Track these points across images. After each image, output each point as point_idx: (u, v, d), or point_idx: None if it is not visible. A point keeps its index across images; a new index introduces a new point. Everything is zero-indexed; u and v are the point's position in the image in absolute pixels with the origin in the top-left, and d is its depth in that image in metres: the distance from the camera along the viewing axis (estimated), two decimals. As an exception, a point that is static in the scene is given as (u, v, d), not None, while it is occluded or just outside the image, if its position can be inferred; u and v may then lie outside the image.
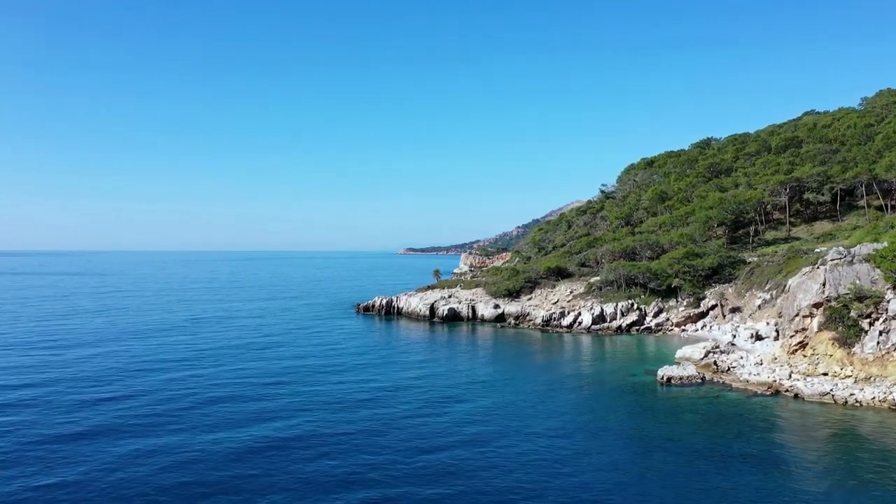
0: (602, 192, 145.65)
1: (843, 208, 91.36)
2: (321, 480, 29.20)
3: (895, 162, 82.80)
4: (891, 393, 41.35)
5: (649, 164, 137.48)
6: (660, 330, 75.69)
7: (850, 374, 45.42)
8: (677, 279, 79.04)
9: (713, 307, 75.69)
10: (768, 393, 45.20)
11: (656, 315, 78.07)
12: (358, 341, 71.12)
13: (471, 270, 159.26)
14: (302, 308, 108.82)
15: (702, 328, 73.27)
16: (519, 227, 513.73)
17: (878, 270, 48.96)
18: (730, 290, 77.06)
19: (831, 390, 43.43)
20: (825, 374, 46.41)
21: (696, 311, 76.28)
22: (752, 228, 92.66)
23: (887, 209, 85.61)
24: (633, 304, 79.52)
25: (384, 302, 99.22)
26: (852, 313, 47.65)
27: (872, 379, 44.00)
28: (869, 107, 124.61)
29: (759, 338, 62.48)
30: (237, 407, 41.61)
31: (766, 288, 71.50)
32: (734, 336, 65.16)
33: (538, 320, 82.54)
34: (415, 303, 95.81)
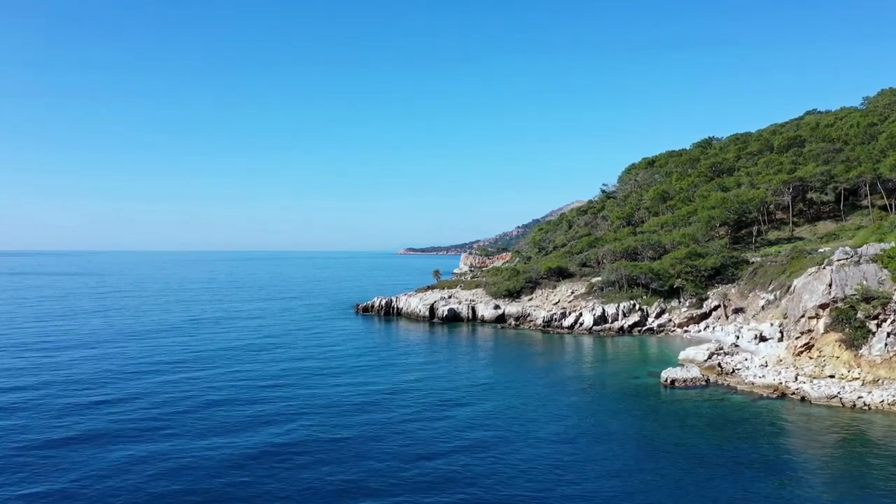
0: (603, 191, 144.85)
1: (847, 208, 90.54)
2: (319, 487, 28.39)
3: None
4: (900, 396, 40.51)
5: (650, 163, 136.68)
6: (662, 331, 74.86)
7: (857, 376, 44.59)
8: (679, 279, 78.22)
9: (716, 308, 74.87)
10: (774, 395, 44.37)
11: (658, 316, 77.24)
12: (357, 343, 70.30)
13: (471, 270, 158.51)
14: (301, 308, 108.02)
15: (704, 329, 72.42)
16: (519, 227, 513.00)
17: (885, 271, 48.18)
18: (733, 290, 76.23)
19: (839, 393, 42.62)
20: (832, 377, 45.58)
21: (699, 311, 75.44)
22: (754, 228, 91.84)
23: (891, 209, 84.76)
24: (634, 305, 78.71)
25: (383, 302, 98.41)
26: (859, 314, 46.84)
27: (880, 381, 43.17)
28: (871, 106, 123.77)
29: (762, 339, 61.61)
30: (233, 411, 40.78)
31: (770, 288, 70.65)
32: (738, 337, 64.29)
33: (539, 321, 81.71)
34: (414, 303, 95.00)
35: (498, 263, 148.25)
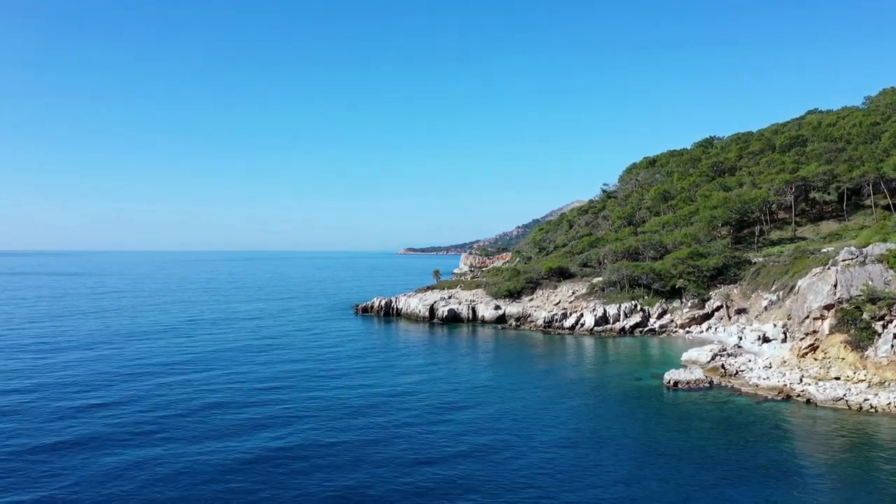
0: (604, 191, 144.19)
1: (850, 208, 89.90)
2: (316, 494, 27.74)
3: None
4: (907, 399, 39.87)
5: (651, 163, 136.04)
6: (664, 331, 74.21)
7: (863, 378, 43.92)
8: (681, 280, 77.58)
9: (718, 308, 74.24)
10: (779, 398, 43.73)
11: (660, 316, 76.58)
12: (356, 344, 69.59)
13: (471, 271, 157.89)
14: (300, 309, 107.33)
15: (707, 330, 71.77)
16: (519, 227, 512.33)
17: (891, 271, 47.53)
18: (735, 290, 75.60)
19: (844, 395, 41.97)
20: (837, 379, 44.91)
21: (701, 312, 74.79)
22: (756, 228, 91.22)
23: (894, 208, 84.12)
24: (636, 306, 78.07)
25: (383, 303, 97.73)
26: (865, 315, 46.18)
27: (887, 384, 42.50)
28: (873, 106, 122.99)
29: (766, 340, 61.00)
30: (230, 415, 40.09)
31: (773, 289, 70.02)
32: (740, 338, 63.66)
33: (540, 321, 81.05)
34: (414, 304, 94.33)
35: (498, 263, 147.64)
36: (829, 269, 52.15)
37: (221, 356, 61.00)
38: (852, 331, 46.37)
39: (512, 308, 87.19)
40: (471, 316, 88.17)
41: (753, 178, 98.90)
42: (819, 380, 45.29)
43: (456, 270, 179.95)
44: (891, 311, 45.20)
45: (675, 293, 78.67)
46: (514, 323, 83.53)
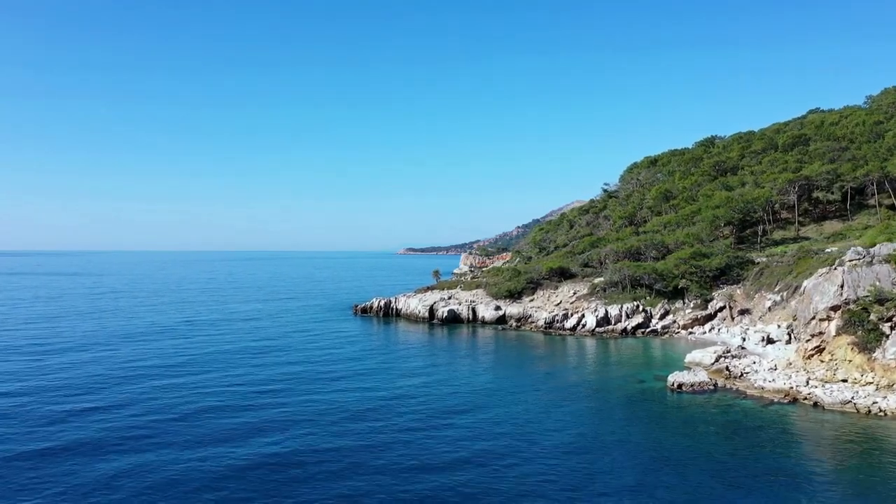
0: (605, 190, 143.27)
1: (853, 207, 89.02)
2: (313, 502, 26.86)
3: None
4: (917, 402, 39.02)
5: (653, 162, 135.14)
6: (666, 332, 73.36)
7: (871, 380, 43.07)
8: (684, 280, 76.72)
9: (721, 309, 73.37)
10: (785, 401, 42.89)
11: (662, 317, 75.73)
12: (355, 346, 68.70)
13: (471, 271, 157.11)
14: (299, 310, 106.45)
15: (710, 331, 70.93)
16: (519, 227, 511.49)
17: (899, 272, 46.62)
18: (738, 291, 74.72)
19: (852, 398, 41.14)
20: (844, 381, 44.05)
21: (704, 313, 73.92)
22: (759, 228, 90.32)
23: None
24: (638, 306, 77.23)
25: (382, 303, 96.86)
26: (872, 317, 45.33)
27: (895, 386, 41.66)
28: (875, 105, 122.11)
29: (770, 341, 60.15)
30: (225, 419, 39.20)
31: (777, 289, 69.15)
32: (744, 339, 62.84)
33: (540, 322, 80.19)
34: (414, 304, 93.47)
35: (498, 263, 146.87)
36: (835, 269, 51.30)
37: (218, 358, 60.13)
38: (859, 332, 45.49)
39: (512, 309, 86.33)
40: (471, 317, 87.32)
41: (756, 177, 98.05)
42: (826, 382, 44.44)
43: (456, 270, 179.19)
44: (899, 312, 44.32)
45: (677, 293, 77.82)
46: (514, 324, 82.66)
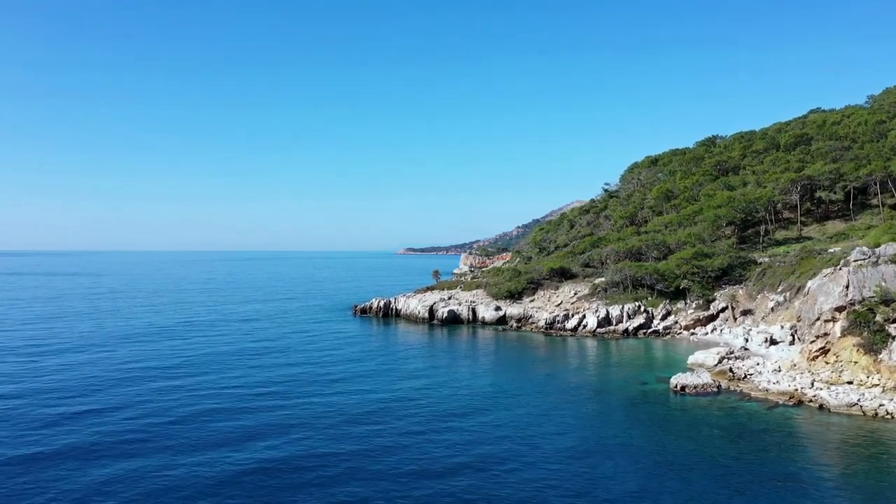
0: (605, 190, 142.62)
1: (856, 207, 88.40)
2: (308, 509, 26.26)
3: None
4: (925, 405, 38.40)
5: (653, 162, 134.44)
6: (668, 333, 72.74)
7: (877, 382, 42.46)
8: (686, 280, 76.09)
9: (723, 309, 72.74)
10: (790, 403, 42.28)
11: (664, 318, 75.11)
12: (354, 347, 68.06)
13: (471, 271, 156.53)
14: (298, 310, 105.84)
15: (712, 331, 70.31)
16: (519, 227, 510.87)
17: (905, 272, 45.97)
18: (741, 291, 74.10)
19: (859, 401, 40.52)
20: (850, 383, 43.45)
21: (706, 313, 73.30)
22: (762, 228, 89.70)
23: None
24: (639, 307, 76.61)
25: (382, 304, 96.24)
26: (878, 318, 44.70)
27: (902, 389, 41.00)
28: (877, 104, 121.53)
29: (773, 342, 59.55)
30: (222, 423, 38.56)
31: (780, 290, 68.52)
32: (747, 340, 62.21)
33: (541, 323, 79.56)
34: (413, 304, 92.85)
35: (498, 264, 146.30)
36: (840, 269, 50.65)
37: (216, 360, 59.50)
38: (865, 333, 44.86)
39: (513, 309, 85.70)
40: (471, 317, 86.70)
41: (758, 177, 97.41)
42: (831, 384, 43.82)
43: (456, 271, 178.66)
44: (905, 313, 43.69)
45: (679, 294, 77.20)
46: (514, 324, 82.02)
